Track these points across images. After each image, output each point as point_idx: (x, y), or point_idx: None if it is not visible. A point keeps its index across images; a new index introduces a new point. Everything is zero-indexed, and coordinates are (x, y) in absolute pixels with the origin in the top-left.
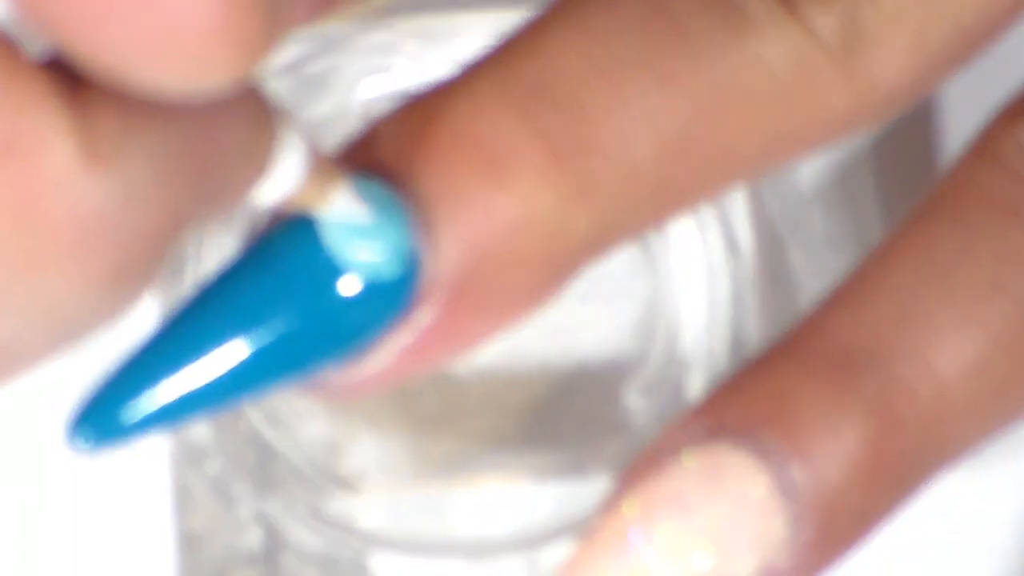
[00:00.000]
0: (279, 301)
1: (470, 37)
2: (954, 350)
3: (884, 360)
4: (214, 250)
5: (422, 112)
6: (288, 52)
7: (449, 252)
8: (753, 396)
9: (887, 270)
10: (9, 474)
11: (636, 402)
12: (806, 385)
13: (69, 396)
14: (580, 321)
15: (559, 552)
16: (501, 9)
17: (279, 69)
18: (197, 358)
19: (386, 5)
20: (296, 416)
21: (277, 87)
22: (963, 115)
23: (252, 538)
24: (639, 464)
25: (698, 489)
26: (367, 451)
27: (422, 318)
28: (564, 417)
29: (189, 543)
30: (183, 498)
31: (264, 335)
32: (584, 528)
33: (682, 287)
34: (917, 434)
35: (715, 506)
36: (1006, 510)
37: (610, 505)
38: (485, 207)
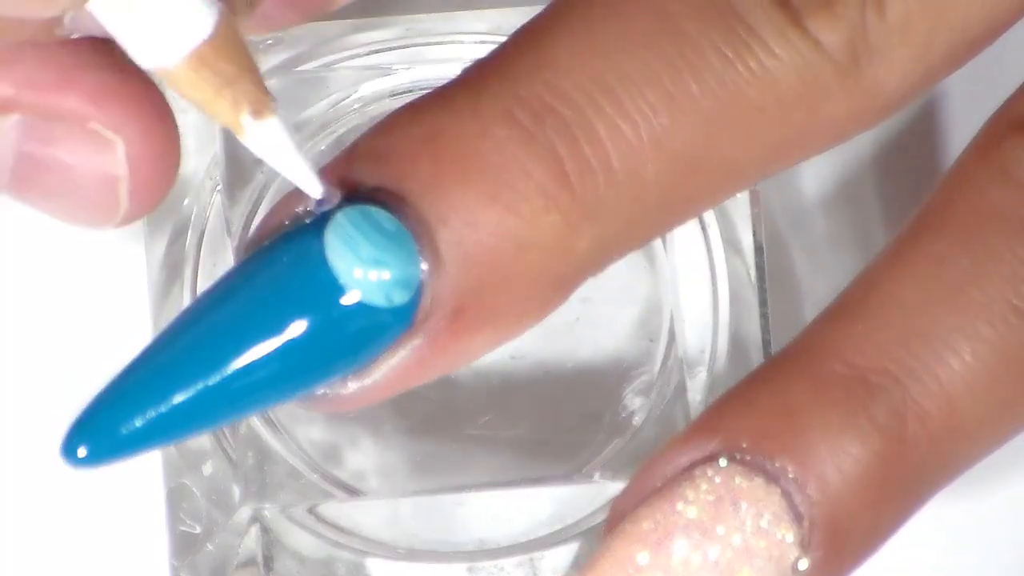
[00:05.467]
0: (280, 318)
1: (467, 36)
2: (965, 369)
3: (895, 380)
4: (209, 263)
5: (427, 129)
6: (286, 51)
7: (453, 273)
8: (763, 414)
9: (896, 286)
10: (5, 476)
11: (637, 402)
12: (817, 406)
13: (61, 404)
14: (581, 321)
15: (559, 553)
16: (498, 8)
17: (277, 68)
18: (195, 373)
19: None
20: (295, 419)
21: (275, 86)
22: (965, 116)
23: (250, 540)
24: (645, 480)
25: (710, 513)
26: (366, 454)
27: (425, 335)
28: (564, 417)
29: (188, 544)
30: (183, 499)
31: (264, 351)
32: (584, 530)
33: (683, 287)
34: (927, 453)
35: (728, 530)
36: (1005, 530)
37: (616, 523)
38: (490, 229)
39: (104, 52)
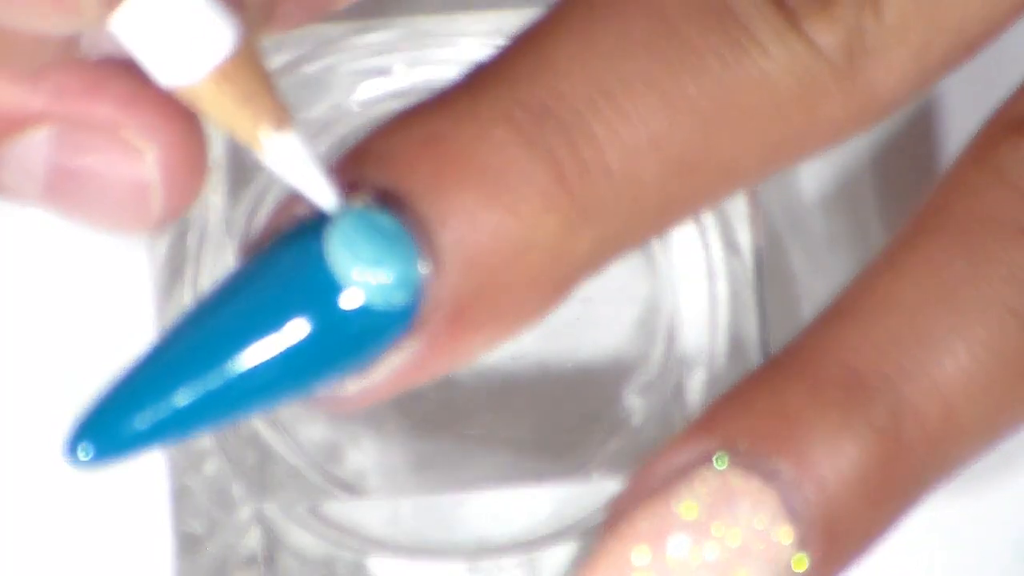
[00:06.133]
0: (281, 319)
1: (467, 39)
2: (961, 370)
3: (892, 382)
4: (211, 262)
5: (427, 131)
6: (286, 53)
7: (453, 274)
8: (761, 415)
9: (893, 288)
10: (8, 476)
11: (636, 402)
12: (814, 407)
13: (65, 404)
14: (580, 321)
15: (559, 553)
16: (499, 10)
17: (278, 70)
18: (197, 374)
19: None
20: (296, 418)
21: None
22: (963, 117)
23: (251, 539)
24: (642, 480)
25: (707, 514)
26: (367, 453)
27: (424, 336)
28: (564, 417)
29: (189, 544)
30: (183, 499)
31: (265, 352)
32: (584, 530)
33: (682, 287)
34: (923, 453)
35: (725, 531)
36: (1002, 533)
37: (614, 524)
38: (490, 230)
39: (128, 63)
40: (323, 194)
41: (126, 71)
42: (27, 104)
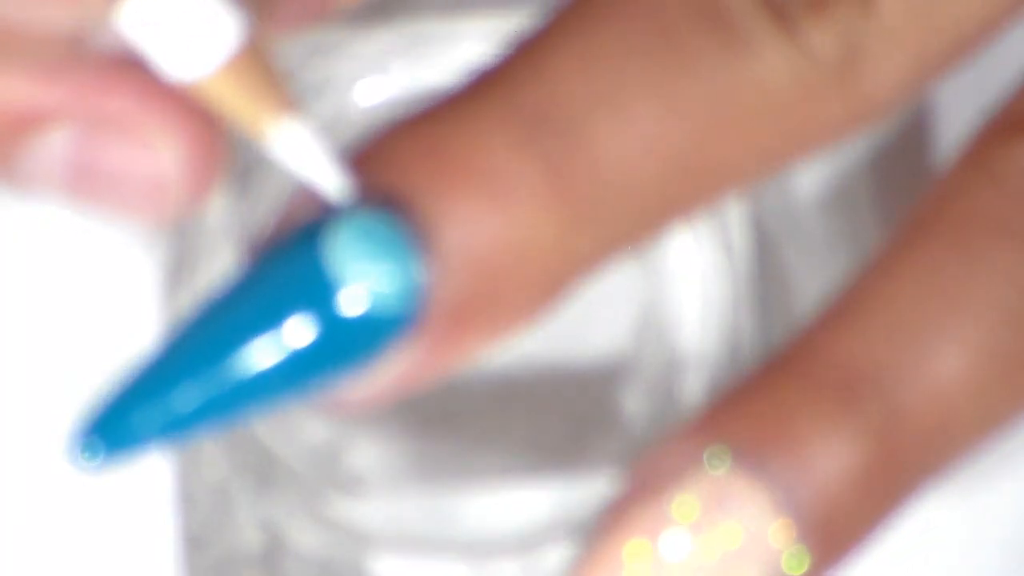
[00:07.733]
0: (282, 323)
1: (467, 42)
2: (955, 371)
3: (887, 382)
4: (214, 264)
5: (427, 135)
6: (285, 57)
7: (453, 276)
8: (756, 414)
9: (888, 289)
10: (10, 475)
11: (634, 403)
12: (809, 406)
13: (69, 401)
14: (579, 322)
15: (558, 553)
16: (498, 14)
17: None
18: (199, 374)
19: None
20: (296, 419)
21: None
22: (959, 119)
23: (252, 540)
24: (636, 480)
25: (703, 514)
26: (367, 454)
27: (425, 338)
28: (563, 418)
29: (190, 545)
30: (184, 500)
31: (266, 356)
32: (583, 530)
33: (679, 289)
34: (917, 453)
35: (719, 532)
36: (996, 533)
37: (608, 524)
38: (489, 233)
39: (143, 59)
40: (332, 184)
41: (142, 67)
42: (45, 102)
